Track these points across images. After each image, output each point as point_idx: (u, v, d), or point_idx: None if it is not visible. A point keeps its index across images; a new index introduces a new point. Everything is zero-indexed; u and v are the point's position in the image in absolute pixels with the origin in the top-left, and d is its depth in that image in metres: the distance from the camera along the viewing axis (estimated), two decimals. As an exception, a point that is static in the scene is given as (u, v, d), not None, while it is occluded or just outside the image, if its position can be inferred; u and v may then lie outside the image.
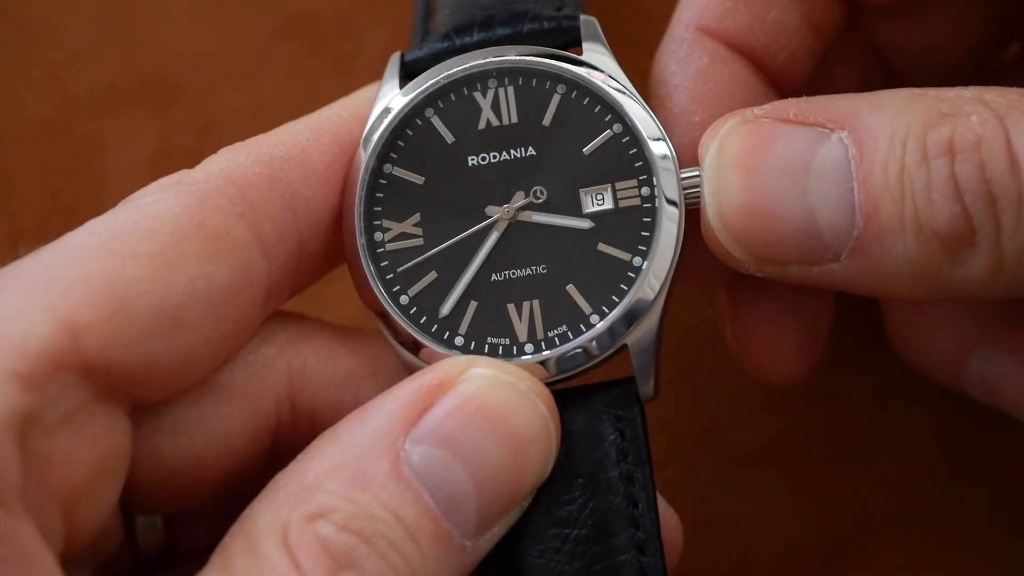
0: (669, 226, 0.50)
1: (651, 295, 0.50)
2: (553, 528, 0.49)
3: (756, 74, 0.55)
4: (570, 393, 0.50)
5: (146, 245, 0.47)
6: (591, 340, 0.50)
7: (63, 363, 0.45)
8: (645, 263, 0.50)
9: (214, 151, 0.69)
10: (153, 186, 0.50)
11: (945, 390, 0.61)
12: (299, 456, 0.47)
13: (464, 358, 0.49)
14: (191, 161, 0.68)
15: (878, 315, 0.62)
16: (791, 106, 0.50)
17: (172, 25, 0.69)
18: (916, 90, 0.49)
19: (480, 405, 0.47)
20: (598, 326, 0.50)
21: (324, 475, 0.46)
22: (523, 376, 0.48)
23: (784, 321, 0.57)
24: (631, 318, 0.50)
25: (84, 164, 0.68)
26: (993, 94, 0.48)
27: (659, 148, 0.51)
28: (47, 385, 0.44)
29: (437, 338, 0.50)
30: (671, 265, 0.50)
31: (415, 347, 0.51)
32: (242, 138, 0.69)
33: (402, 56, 0.53)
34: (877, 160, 0.48)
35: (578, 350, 0.50)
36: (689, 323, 0.64)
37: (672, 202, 0.50)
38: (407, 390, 0.47)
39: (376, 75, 0.56)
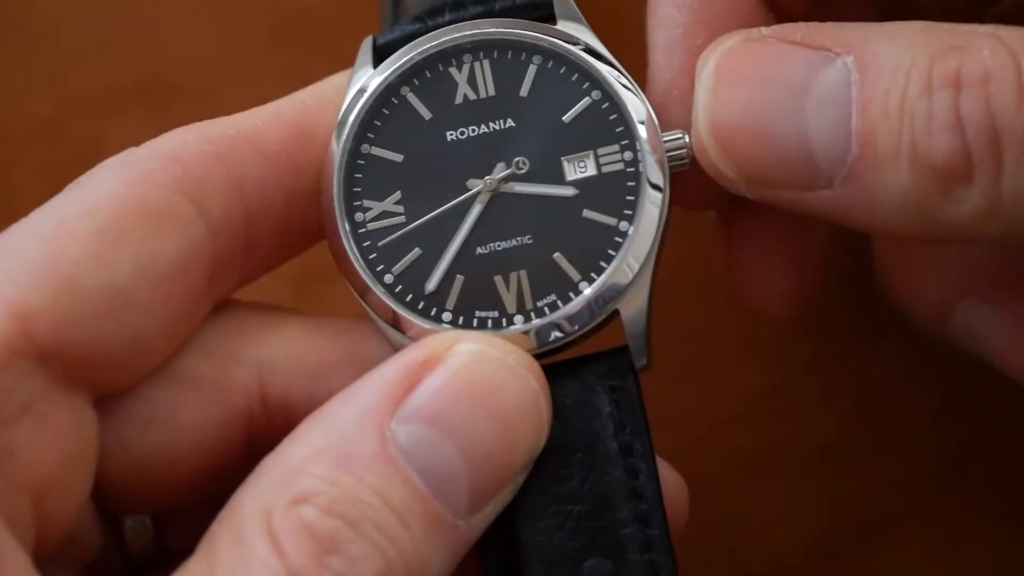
0: (655, 191, 0.50)
1: (640, 259, 0.50)
2: (553, 505, 0.48)
3: (760, 1, 0.53)
4: (562, 366, 0.50)
5: (87, 224, 0.47)
6: (581, 307, 0.50)
7: (15, 350, 0.44)
8: (632, 227, 0.50)
9: (214, 151, 0.69)
10: (99, 166, 0.49)
11: (945, 391, 0.61)
12: (285, 439, 0.46)
13: (451, 333, 0.48)
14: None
15: (878, 314, 0.62)
16: (799, 29, 0.49)
17: (172, 25, 0.69)
18: (930, 23, 0.48)
19: (467, 381, 0.46)
20: (587, 292, 0.50)
21: (308, 458, 0.45)
22: (511, 349, 0.48)
23: (780, 247, 0.56)
24: (620, 283, 0.50)
25: (84, 164, 0.67)
26: (1009, 31, 0.47)
27: (639, 112, 0.50)
28: (1, 374, 0.44)
29: (424, 315, 0.50)
30: (658, 228, 0.50)
31: (402, 325, 0.50)
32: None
33: (374, 40, 0.53)
34: (879, 88, 0.46)
35: (568, 318, 0.49)
36: (689, 323, 0.64)
37: (657, 167, 0.50)
38: (392, 368, 0.47)
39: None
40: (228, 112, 0.68)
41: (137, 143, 0.68)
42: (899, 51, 0.47)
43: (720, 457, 0.64)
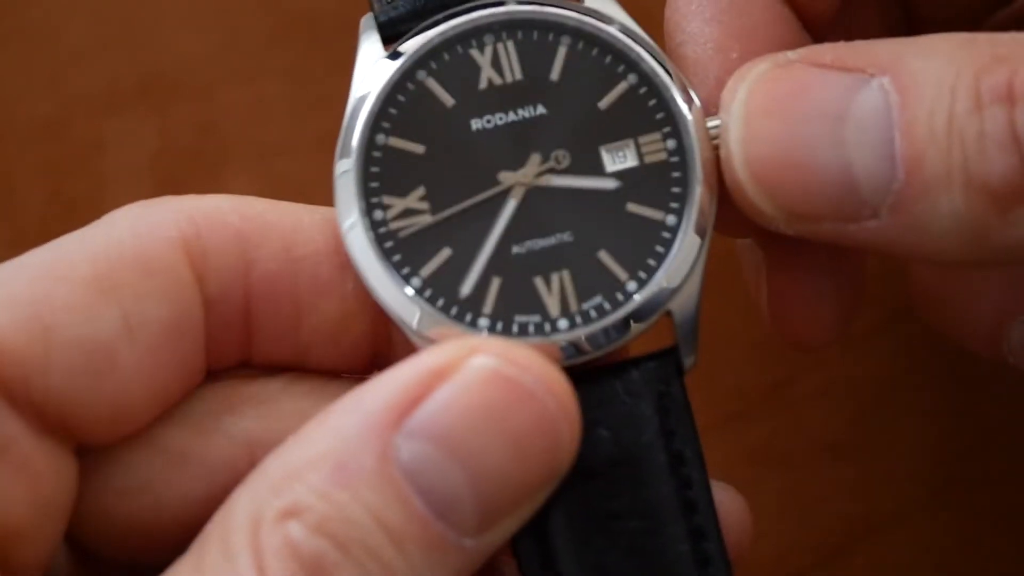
0: (704, 183, 0.46)
1: (692, 254, 0.46)
2: (604, 524, 0.45)
3: (789, 9, 0.51)
4: (603, 371, 0.46)
5: (82, 270, 0.44)
6: (631, 310, 0.45)
7: None
8: (681, 221, 0.46)
9: (214, 151, 0.69)
10: (124, 208, 0.47)
11: (945, 391, 0.61)
12: (290, 438, 0.43)
13: (470, 340, 0.44)
14: (191, 160, 0.69)
15: (877, 314, 0.62)
16: (828, 51, 0.46)
17: (172, 25, 0.69)
18: (967, 35, 0.45)
19: (480, 400, 0.42)
20: (637, 295, 0.45)
21: (306, 463, 0.42)
22: (531, 365, 0.43)
23: (821, 280, 0.53)
24: (672, 282, 0.46)
25: (84, 164, 0.68)
26: None
27: (682, 96, 0.47)
28: None
29: (459, 321, 0.45)
30: (711, 218, 0.46)
31: (432, 334, 0.46)
32: (242, 138, 0.69)
33: (376, 18, 0.48)
34: (922, 108, 0.44)
35: (617, 321, 0.45)
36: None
37: (706, 158, 0.46)
38: (403, 374, 0.43)
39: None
40: (228, 112, 0.68)
41: (137, 143, 0.68)
42: (939, 67, 0.44)
43: (720, 455, 0.63)
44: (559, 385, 0.43)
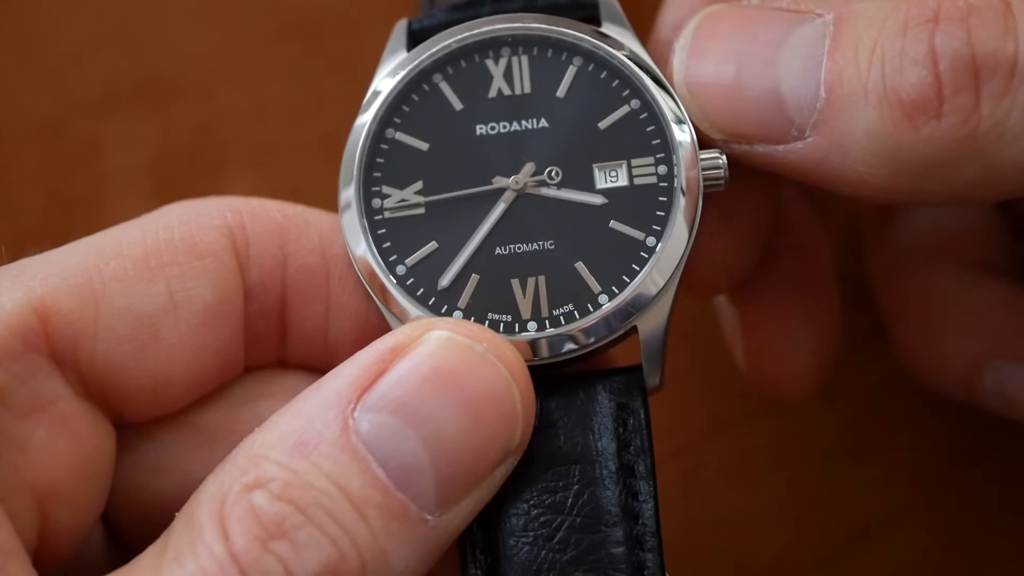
0: (686, 211, 0.48)
1: (664, 277, 0.48)
2: (546, 514, 0.47)
3: None
4: (571, 377, 0.48)
5: (133, 249, 0.47)
6: (598, 320, 0.48)
7: (30, 342, 0.44)
8: (660, 244, 0.48)
9: (213, 151, 0.69)
10: (185, 201, 0.49)
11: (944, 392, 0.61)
12: (257, 428, 0.45)
13: (424, 320, 0.47)
14: (190, 161, 0.69)
15: (877, 317, 0.62)
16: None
17: (171, 25, 0.69)
18: None
19: (434, 368, 0.44)
20: (607, 306, 0.48)
21: (270, 444, 0.44)
22: (484, 336, 0.45)
23: (796, 334, 0.56)
24: (642, 300, 0.48)
25: (83, 164, 0.68)
26: None
27: (680, 129, 0.49)
28: (11, 362, 0.44)
29: (434, 311, 0.48)
30: (686, 247, 0.48)
31: (408, 319, 0.48)
32: (241, 138, 0.69)
33: (409, 24, 0.51)
34: (852, 35, 0.46)
35: (583, 329, 0.48)
36: (689, 323, 0.64)
37: (692, 185, 0.48)
38: (363, 355, 0.45)
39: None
40: (228, 112, 0.68)
41: (136, 143, 0.68)
42: (881, 6, 0.46)
43: (720, 457, 0.64)
44: (511, 354, 0.46)
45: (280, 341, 0.50)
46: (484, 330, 0.46)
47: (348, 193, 0.49)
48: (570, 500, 0.47)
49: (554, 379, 0.48)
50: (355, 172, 0.49)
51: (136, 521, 0.49)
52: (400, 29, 0.51)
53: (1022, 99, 0.44)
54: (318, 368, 0.50)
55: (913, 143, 0.45)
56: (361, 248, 0.49)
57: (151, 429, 0.49)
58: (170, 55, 0.69)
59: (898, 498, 0.64)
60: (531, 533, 0.47)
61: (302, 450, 0.43)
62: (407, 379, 0.44)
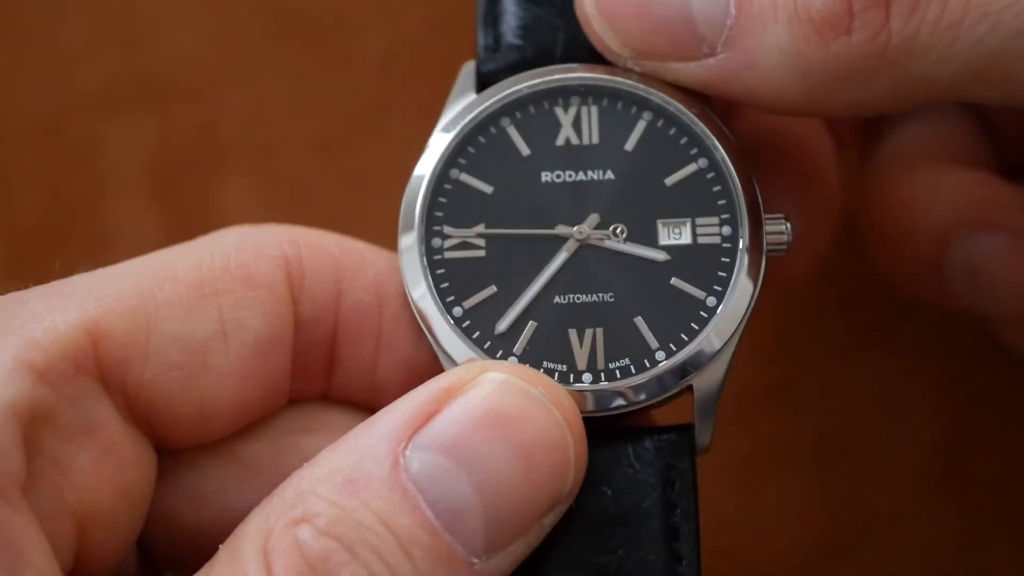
0: (748, 273, 0.48)
1: (723, 338, 0.48)
2: (588, 575, 0.46)
3: None
4: (621, 432, 0.48)
5: (188, 274, 0.46)
6: (655, 376, 0.47)
7: (81, 364, 0.44)
8: (720, 305, 0.48)
9: (213, 151, 0.69)
10: (233, 227, 0.49)
11: (943, 391, 0.61)
12: (305, 464, 0.45)
13: (479, 362, 0.46)
14: (189, 161, 0.68)
15: (876, 315, 0.62)
16: None
17: (171, 25, 0.69)
18: None
19: (488, 410, 0.44)
20: (664, 363, 0.47)
21: (319, 479, 0.43)
22: (540, 381, 0.45)
23: (790, 183, 0.55)
24: (700, 359, 0.47)
25: (82, 164, 0.68)
26: None
27: (747, 190, 0.49)
28: (62, 384, 0.44)
29: (489, 355, 0.48)
30: (747, 310, 0.48)
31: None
32: (241, 138, 0.69)
33: (477, 67, 0.51)
34: None
35: (639, 385, 0.47)
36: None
37: (755, 249, 0.48)
38: (416, 394, 0.44)
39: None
40: (227, 112, 0.68)
41: (135, 143, 0.68)
42: None
43: (720, 457, 0.63)
44: (567, 401, 0.45)
45: (327, 376, 0.50)
46: (540, 375, 0.46)
47: (409, 232, 0.49)
48: (616, 563, 0.46)
49: (603, 432, 0.47)
50: (417, 211, 0.49)
51: (171, 546, 0.48)
52: (468, 71, 0.51)
53: (932, 15, 0.45)
54: (363, 405, 0.50)
55: (823, 59, 0.46)
56: (420, 289, 0.48)
57: (192, 456, 0.48)
58: (169, 55, 0.68)
59: (898, 498, 0.64)
60: None
61: (351, 487, 0.43)
62: (461, 420, 0.43)
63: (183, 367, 0.46)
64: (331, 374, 0.50)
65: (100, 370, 0.45)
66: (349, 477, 0.43)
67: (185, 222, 0.66)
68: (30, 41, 0.69)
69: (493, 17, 0.52)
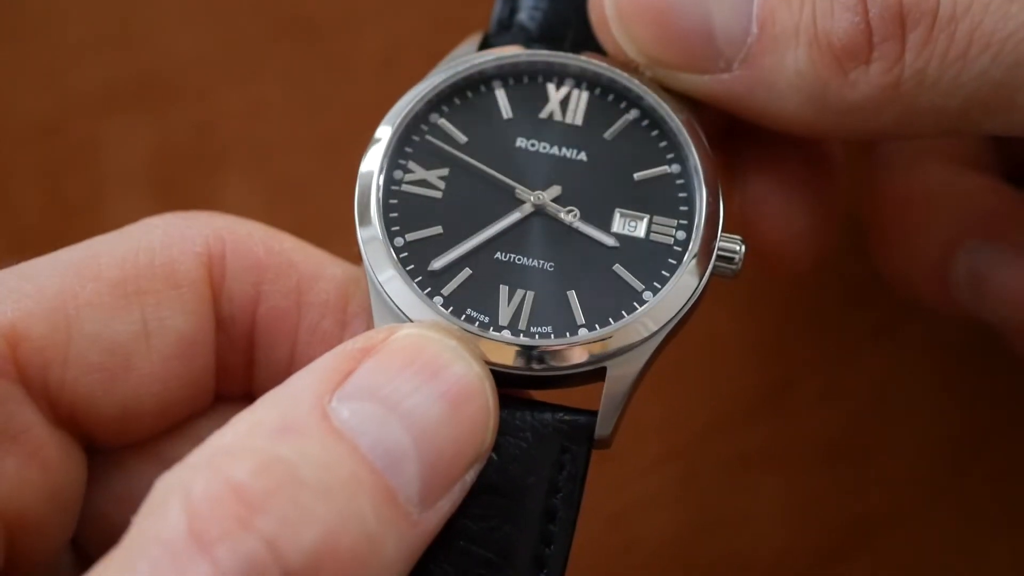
0: (690, 279, 0.48)
1: (648, 331, 0.48)
2: (462, 540, 0.46)
3: None
4: (524, 403, 0.48)
5: (111, 272, 0.46)
6: (571, 345, 0.47)
7: (0, 369, 0.44)
8: (654, 299, 0.48)
9: (212, 151, 0.69)
10: (163, 215, 0.48)
11: (943, 392, 0.61)
12: (212, 434, 0.42)
13: (388, 326, 0.46)
14: (189, 161, 0.68)
15: (877, 314, 0.62)
16: None
17: (170, 25, 0.69)
18: None
19: (408, 358, 0.43)
20: (583, 336, 0.47)
21: (243, 433, 0.41)
22: (453, 334, 0.45)
23: (794, 190, 0.55)
24: (620, 343, 0.48)
25: (82, 164, 0.68)
26: None
27: (711, 204, 0.49)
28: None
29: (420, 288, 0.48)
30: (678, 313, 0.48)
31: (390, 290, 0.48)
32: (240, 138, 0.69)
33: (486, 36, 0.52)
34: None
35: (553, 352, 0.47)
36: (689, 323, 0.64)
37: (703, 259, 0.49)
38: (331, 355, 0.44)
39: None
40: (227, 112, 0.68)
41: (135, 143, 0.68)
42: None
43: (720, 457, 0.64)
44: (479, 355, 0.45)
45: (248, 375, 0.49)
46: (453, 329, 0.46)
47: (375, 160, 0.50)
48: (487, 531, 0.46)
49: (504, 400, 0.47)
50: (386, 141, 0.50)
51: (105, 546, 0.46)
52: (476, 38, 0.52)
53: (940, 48, 0.46)
54: None
55: (840, 86, 0.47)
56: (369, 214, 0.49)
57: (120, 457, 0.48)
58: (169, 55, 0.68)
59: (898, 498, 0.64)
60: (446, 560, 0.46)
61: (284, 435, 0.41)
62: (382, 368, 0.43)
63: (105, 368, 0.45)
64: (252, 374, 0.49)
65: (20, 374, 0.44)
66: (281, 426, 0.41)
67: (185, 222, 0.66)
68: (30, 41, 0.69)
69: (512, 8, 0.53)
